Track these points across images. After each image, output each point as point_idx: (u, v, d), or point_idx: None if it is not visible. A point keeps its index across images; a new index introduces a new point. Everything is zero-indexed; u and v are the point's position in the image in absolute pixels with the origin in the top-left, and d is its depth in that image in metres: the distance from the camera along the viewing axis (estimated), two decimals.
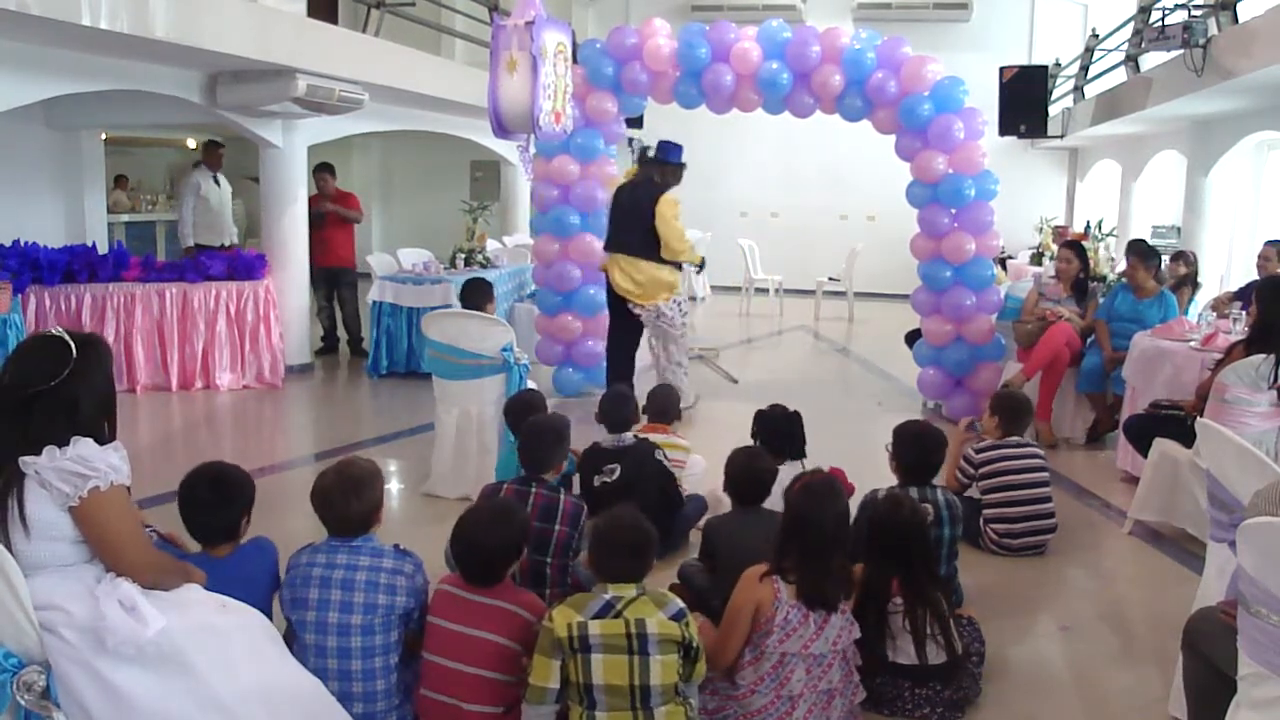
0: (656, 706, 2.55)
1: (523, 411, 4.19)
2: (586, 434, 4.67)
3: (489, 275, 8.49)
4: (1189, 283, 7.13)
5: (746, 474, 3.60)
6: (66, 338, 2.27)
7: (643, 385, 4.90)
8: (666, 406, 4.84)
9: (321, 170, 8.93)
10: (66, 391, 2.21)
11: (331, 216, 8.75)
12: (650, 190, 6.54)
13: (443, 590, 2.76)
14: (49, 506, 2.17)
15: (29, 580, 2.14)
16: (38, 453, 2.16)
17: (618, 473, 4.13)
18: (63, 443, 2.17)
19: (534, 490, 3.49)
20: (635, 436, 4.36)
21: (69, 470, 2.15)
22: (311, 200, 8.84)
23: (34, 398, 2.20)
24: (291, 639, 2.69)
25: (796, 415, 4.30)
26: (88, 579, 2.21)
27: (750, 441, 4.24)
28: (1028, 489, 4.40)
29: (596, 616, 2.54)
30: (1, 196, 8.17)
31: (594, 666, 2.52)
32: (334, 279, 8.86)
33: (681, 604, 2.64)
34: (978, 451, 4.48)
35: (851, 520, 3.72)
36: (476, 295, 5.46)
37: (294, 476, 5.47)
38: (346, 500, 2.76)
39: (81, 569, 2.22)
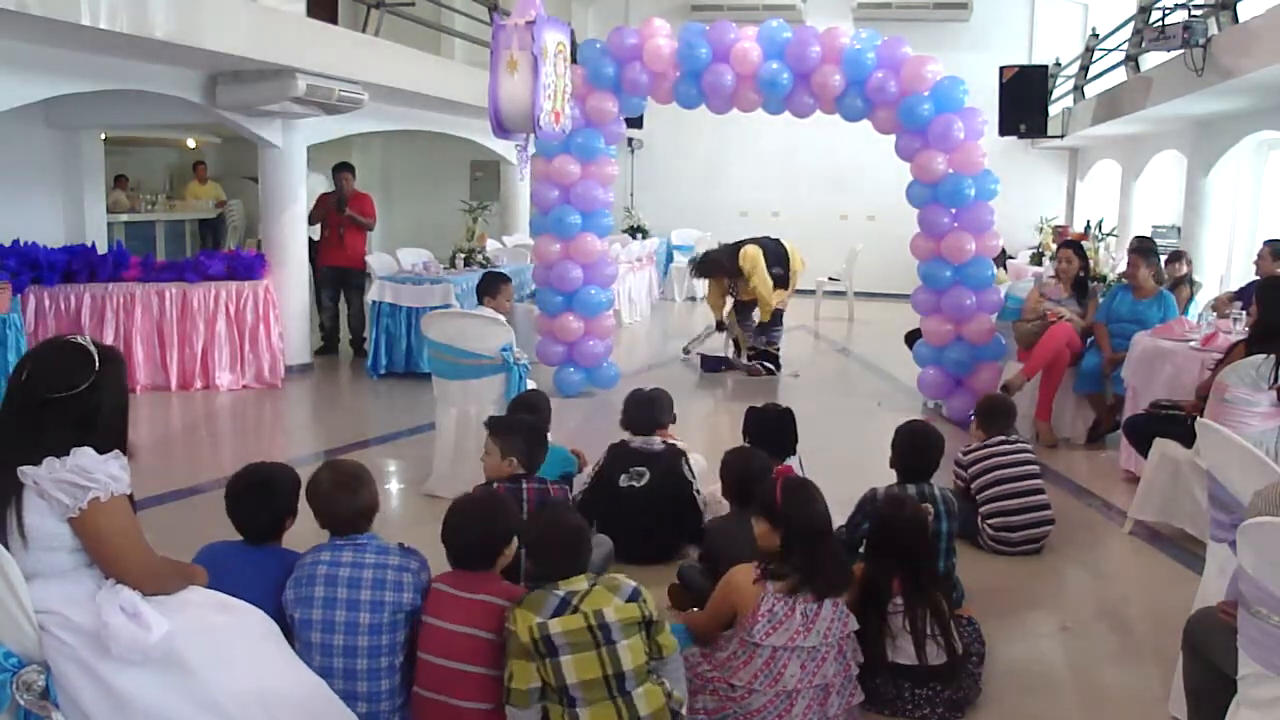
0: (633, 690, 2.56)
1: (525, 412, 4.19)
2: (589, 436, 4.66)
3: None
4: (1187, 282, 7.14)
5: (743, 475, 3.60)
6: (91, 348, 2.24)
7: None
8: (659, 411, 4.80)
9: (341, 170, 8.94)
10: (84, 402, 2.19)
11: (348, 217, 8.77)
12: None
13: (434, 589, 2.78)
14: (48, 517, 2.14)
15: (28, 587, 2.13)
16: (41, 459, 2.14)
17: (646, 477, 4.10)
18: (63, 453, 2.15)
19: (525, 486, 3.58)
20: (664, 443, 4.31)
21: (68, 481, 2.12)
22: (322, 200, 8.84)
23: (49, 402, 2.17)
24: (292, 638, 2.69)
25: (788, 412, 4.31)
26: (88, 585, 2.20)
27: (741, 438, 4.25)
28: (1019, 482, 4.42)
29: (555, 615, 2.54)
30: (1, 196, 8.17)
31: (565, 669, 2.52)
32: (343, 279, 8.87)
33: (635, 584, 2.65)
34: (965, 454, 4.53)
35: (848, 519, 3.75)
36: (483, 285, 5.56)
37: None
38: (347, 498, 2.78)
39: (81, 574, 2.21)
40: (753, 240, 8.39)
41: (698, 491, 4.27)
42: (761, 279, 8.14)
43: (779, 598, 2.83)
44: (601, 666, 2.53)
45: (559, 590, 2.59)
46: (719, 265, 8.34)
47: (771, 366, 8.47)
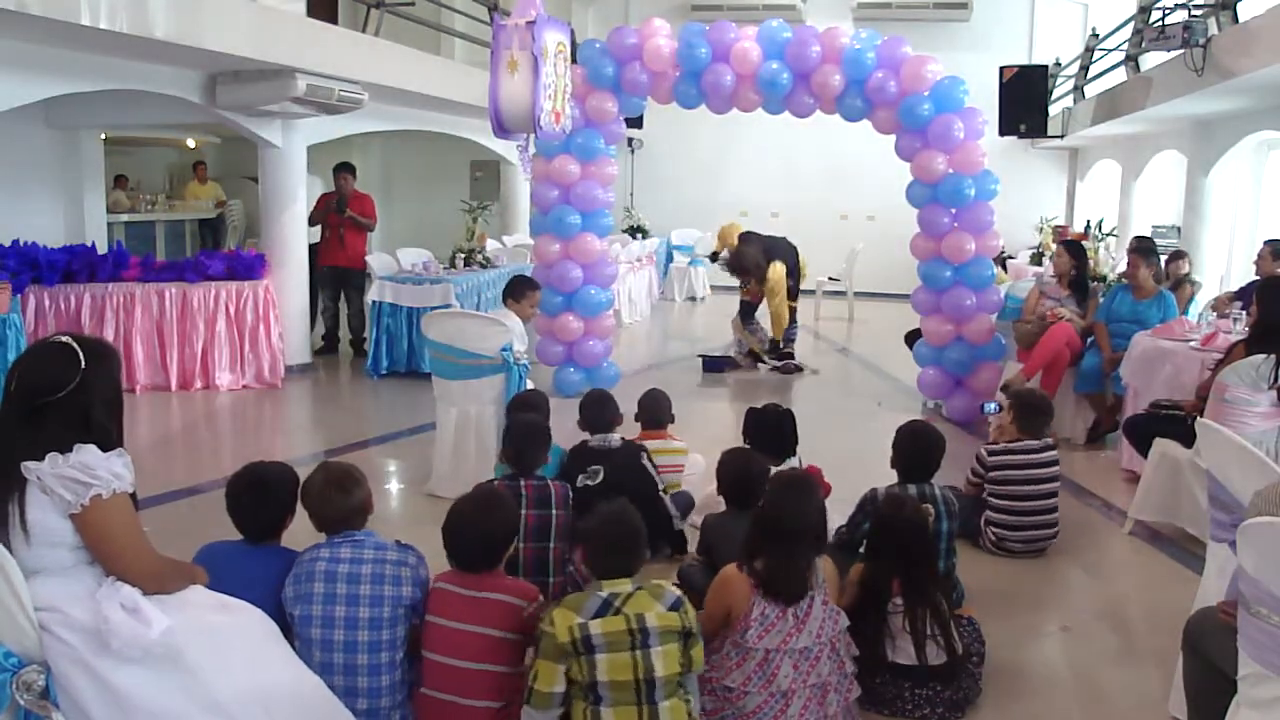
0: (660, 700, 2.55)
1: (525, 411, 4.19)
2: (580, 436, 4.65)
3: (489, 275, 8.54)
4: (1188, 281, 7.14)
5: (741, 478, 3.60)
6: (75, 346, 2.24)
7: (634, 391, 4.87)
8: (658, 411, 4.78)
9: (342, 170, 8.93)
10: (77, 401, 2.20)
11: (349, 218, 8.77)
12: None
13: (437, 588, 2.78)
14: (51, 513, 2.15)
15: (28, 584, 2.14)
16: (44, 455, 2.15)
17: (600, 475, 4.08)
18: (66, 449, 2.16)
19: (524, 482, 3.59)
20: (622, 439, 4.30)
21: (71, 477, 2.14)
22: (322, 201, 8.83)
23: (43, 407, 2.19)
24: (292, 636, 2.69)
25: (788, 413, 4.30)
26: (88, 582, 2.20)
27: (741, 439, 4.24)
28: (1034, 499, 4.37)
29: (596, 616, 2.54)
30: (1, 196, 8.17)
31: (599, 666, 2.53)
32: (343, 279, 8.86)
33: (678, 593, 2.64)
34: (990, 452, 4.46)
35: (849, 518, 3.74)
36: (510, 287, 5.54)
37: None
38: (340, 497, 2.80)
39: (81, 571, 2.22)
40: (779, 241, 8.74)
41: (664, 492, 4.24)
42: (781, 301, 8.55)
43: (769, 600, 2.82)
44: (634, 669, 2.52)
45: (601, 592, 2.59)
46: (757, 266, 8.52)
47: (798, 365, 8.69)
